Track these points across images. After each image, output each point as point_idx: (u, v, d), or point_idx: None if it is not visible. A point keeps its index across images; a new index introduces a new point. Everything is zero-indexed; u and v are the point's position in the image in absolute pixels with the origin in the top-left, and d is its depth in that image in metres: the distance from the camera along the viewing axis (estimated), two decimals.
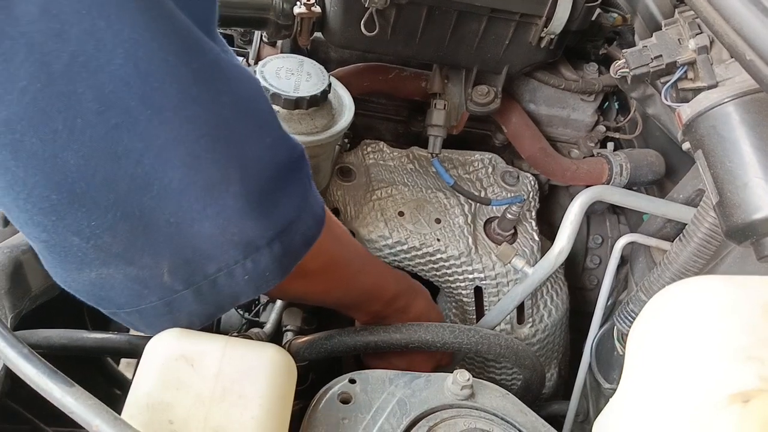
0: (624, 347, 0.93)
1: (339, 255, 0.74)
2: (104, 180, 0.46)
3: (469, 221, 1.06)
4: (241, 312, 1.12)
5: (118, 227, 0.48)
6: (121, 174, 0.46)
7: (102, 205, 0.47)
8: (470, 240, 1.03)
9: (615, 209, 1.25)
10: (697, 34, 0.70)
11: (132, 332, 1.30)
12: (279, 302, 0.99)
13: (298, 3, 0.97)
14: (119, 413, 0.49)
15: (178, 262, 0.52)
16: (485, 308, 1.06)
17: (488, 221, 1.08)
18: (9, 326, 0.58)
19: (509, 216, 1.03)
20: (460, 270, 1.03)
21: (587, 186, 1.04)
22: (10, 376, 0.52)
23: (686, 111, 0.69)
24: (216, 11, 0.54)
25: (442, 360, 0.98)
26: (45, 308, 0.73)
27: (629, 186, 1.11)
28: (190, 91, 0.47)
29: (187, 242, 0.51)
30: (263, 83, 0.86)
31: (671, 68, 0.73)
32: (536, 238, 1.08)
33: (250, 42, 1.17)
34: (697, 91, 0.70)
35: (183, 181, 0.48)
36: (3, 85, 0.41)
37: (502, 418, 0.70)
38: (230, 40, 1.27)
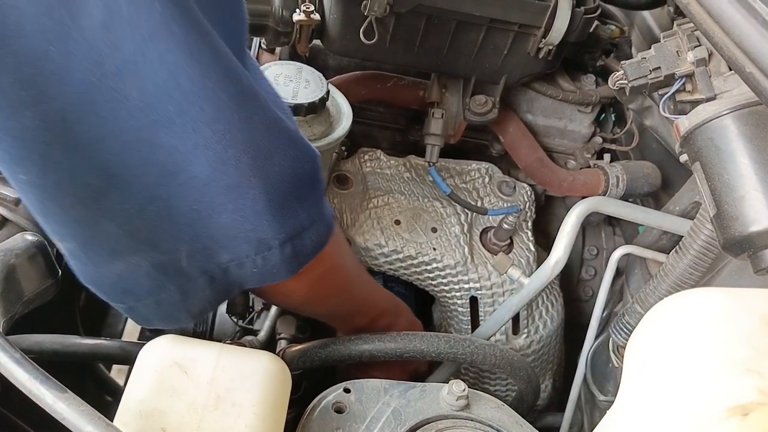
0: (619, 359, 0.93)
1: (340, 262, 0.76)
2: (139, 164, 0.51)
3: (465, 231, 1.05)
4: (235, 320, 1.12)
5: (146, 208, 0.53)
6: (154, 160, 0.52)
7: (134, 186, 0.52)
8: (466, 249, 1.03)
9: (610, 221, 1.25)
10: (695, 47, 0.70)
11: (125, 338, 1.29)
12: (273, 310, 0.99)
13: (297, 10, 0.97)
14: (111, 420, 0.48)
15: (195, 248, 0.57)
16: (480, 318, 1.05)
17: (484, 231, 1.08)
18: (1, 331, 0.57)
19: (505, 226, 1.03)
20: (455, 279, 1.03)
21: (583, 197, 1.04)
22: (1, 380, 0.52)
23: (684, 123, 0.69)
24: (246, 32, 0.62)
25: (420, 367, 0.99)
26: (37, 313, 0.72)
27: (625, 197, 1.12)
28: (224, 113, 0.53)
29: (204, 230, 0.56)
30: None
31: (669, 80, 0.73)
32: (532, 248, 1.08)
33: (248, 48, 1.17)
34: (696, 103, 0.70)
35: (208, 178, 0.54)
36: (62, 78, 0.47)
37: (497, 430, 0.69)
38: None
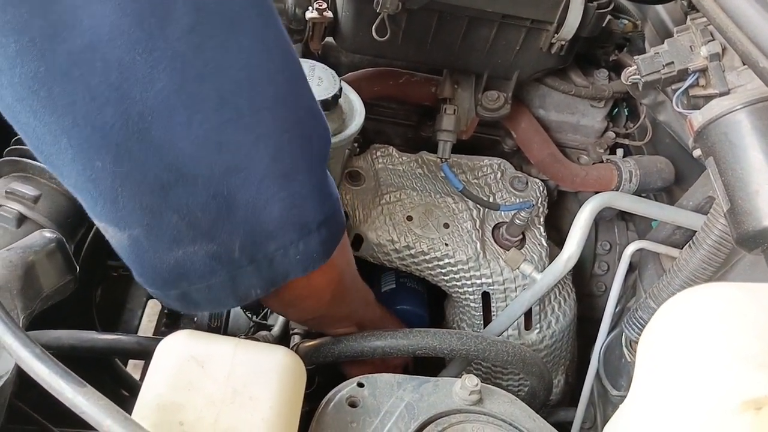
0: (632, 354, 0.93)
1: (349, 258, 0.77)
2: (206, 163, 0.54)
3: (477, 226, 1.06)
4: (249, 315, 1.12)
5: (208, 204, 0.55)
6: (221, 159, 0.54)
7: (200, 183, 0.54)
8: (478, 245, 1.03)
9: (623, 215, 1.24)
10: (709, 41, 0.70)
11: (140, 334, 1.30)
12: None
13: (310, 8, 0.97)
14: (129, 414, 0.49)
15: (247, 240, 0.59)
16: (493, 314, 1.05)
17: (497, 226, 1.08)
18: (21, 326, 0.58)
19: (518, 221, 1.03)
20: (467, 275, 1.03)
21: (596, 192, 1.04)
22: (20, 376, 0.53)
23: (698, 118, 0.69)
24: None
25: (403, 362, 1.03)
26: (54, 309, 0.73)
27: (638, 192, 1.11)
28: (281, 95, 0.56)
29: (258, 222, 0.58)
30: None
31: (683, 75, 0.73)
32: (544, 243, 1.08)
33: None
34: (709, 98, 0.70)
35: (267, 170, 0.56)
36: (144, 86, 0.49)
37: (510, 424, 0.70)
38: None
